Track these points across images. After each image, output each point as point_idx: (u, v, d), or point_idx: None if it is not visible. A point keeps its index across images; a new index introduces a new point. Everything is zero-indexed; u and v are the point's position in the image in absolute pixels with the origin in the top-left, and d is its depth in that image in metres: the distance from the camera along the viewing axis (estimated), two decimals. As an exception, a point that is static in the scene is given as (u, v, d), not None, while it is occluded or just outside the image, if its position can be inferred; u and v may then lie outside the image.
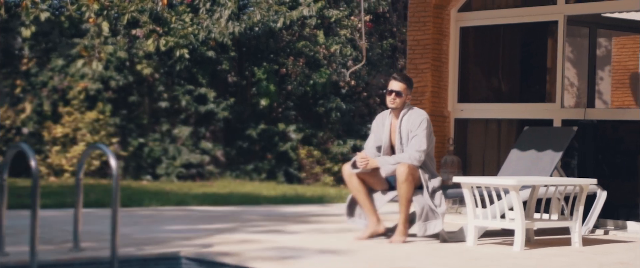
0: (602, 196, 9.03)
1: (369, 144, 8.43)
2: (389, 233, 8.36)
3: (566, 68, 11.02)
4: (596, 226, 9.38)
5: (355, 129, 19.26)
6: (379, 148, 8.38)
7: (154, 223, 9.47)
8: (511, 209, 8.05)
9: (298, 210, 11.79)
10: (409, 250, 7.52)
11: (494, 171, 10.53)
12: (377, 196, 8.33)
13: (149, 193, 13.70)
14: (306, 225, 9.61)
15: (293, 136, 18.68)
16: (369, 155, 8.24)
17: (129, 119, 18.42)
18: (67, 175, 17.39)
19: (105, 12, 17.30)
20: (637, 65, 14.87)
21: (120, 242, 7.56)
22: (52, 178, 17.22)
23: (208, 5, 17.99)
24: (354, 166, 8.21)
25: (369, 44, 19.51)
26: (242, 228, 9.11)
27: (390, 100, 8.23)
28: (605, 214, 9.33)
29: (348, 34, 19.06)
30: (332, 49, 18.73)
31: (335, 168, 18.74)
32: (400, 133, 8.22)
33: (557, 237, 8.83)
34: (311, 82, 18.62)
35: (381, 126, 8.40)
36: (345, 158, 18.90)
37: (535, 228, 8.19)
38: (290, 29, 18.52)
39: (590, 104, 11.69)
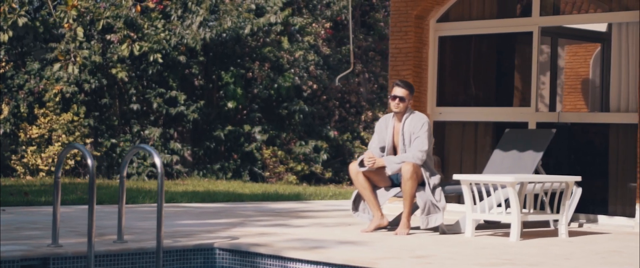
0: (577, 192, 9.70)
1: (373, 145, 9.00)
2: (388, 226, 8.95)
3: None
4: (570, 219, 10.06)
5: (316, 130, 19.83)
6: (382, 149, 8.97)
7: (164, 219, 9.88)
8: (499, 205, 8.72)
9: (285, 207, 12.31)
10: (418, 241, 8.10)
11: (470, 170, 11.18)
12: (381, 192, 8.92)
13: (133, 191, 14.08)
14: (306, 220, 10.14)
15: (258, 137, 19.18)
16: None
17: (101, 120, 18.76)
18: (42, 173, 17.68)
19: (80, 18, 17.68)
20: (588, 71, 15.67)
21: (148, 236, 8.09)
22: (29, 177, 17.50)
23: (179, 12, 18.42)
24: (361, 164, 8.79)
25: (330, 50, 20.13)
26: (249, 223, 9.60)
27: (394, 105, 8.82)
28: (577, 209, 10.01)
29: (311, 41, 19.62)
30: (296, 55, 19.28)
31: (298, 168, 19.27)
32: (403, 135, 8.81)
33: (537, 229, 9.48)
34: (275, 85, 19.14)
35: (384, 128, 8.99)
36: (306, 158, 19.46)
37: (528, 220, 8.83)
38: (256, 35, 19.03)
39: (552, 108, 12.39)
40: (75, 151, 17.87)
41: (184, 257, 7.51)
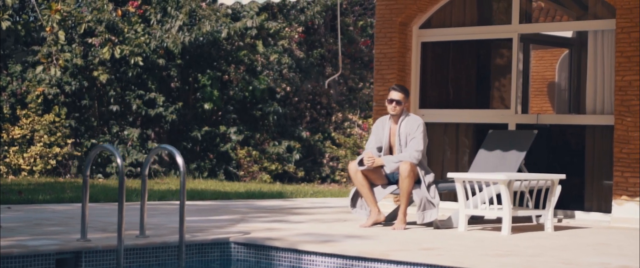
0: (557, 190, 10.17)
1: (370, 146, 9.41)
2: (384, 221, 9.36)
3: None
4: (550, 215, 10.53)
5: (289, 131, 20.20)
6: (379, 149, 9.38)
7: (168, 215, 10.21)
8: (489, 201, 9.16)
9: (274, 204, 12.64)
10: (417, 235, 8.51)
11: (452, 169, 11.62)
12: (378, 190, 9.32)
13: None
14: (301, 216, 10.50)
15: (233, 137, 19.51)
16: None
17: (80, 121, 18.98)
18: (24, 173, 17.86)
19: (63, 22, 17.91)
20: (554, 75, 16.23)
21: (164, 231, 8.42)
22: (12, 177, 17.67)
23: (159, 16, 18.69)
24: (360, 163, 9.20)
25: (302, 53, 20.51)
26: (249, 219, 9.93)
27: (391, 108, 9.23)
28: (555, 205, 10.46)
29: (285, 44, 20.01)
30: (271, 58, 19.65)
31: (272, 167, 19.63)
32: (399, 136, 9.23)
33: (521, 224, 9.93)
34: (250, 88, 19.49)
35: (381, 129, 9.40)
36: (279, 158, 19.82)
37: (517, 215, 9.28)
38: (231, 39, 19.35)
39: (524, 110, 12.88)
40: (57, 150, 18.08)
41: (202, 250, 7.84)
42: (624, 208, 9.97)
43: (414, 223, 9.39)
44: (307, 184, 19.39)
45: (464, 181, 9.00)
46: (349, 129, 20.71)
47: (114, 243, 7.35)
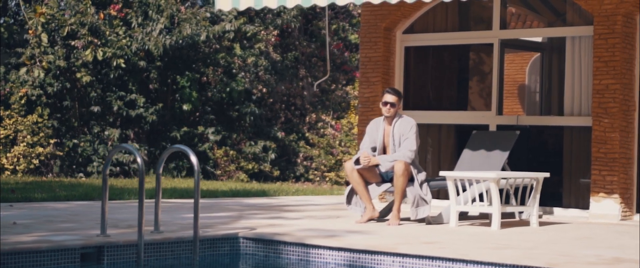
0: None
1: (365, 146, 9.79)
2: (378, 217, 9.75)
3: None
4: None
5: (265, 131, 20.55)
6: (373, 149, 9.76)
7: (169, 213, 10.49)
8: (476, 199, 9.58)
9: (263, 202, 12.93)
10: (413, 230, 8.90)
11: (436, 168, 12.04)
12: (372, 188, 9.71)
13: (111, 188, 14.56)
14: (296, 213, 10.84)
15: (211, 137, 19.82)
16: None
17: (62, 122, 19.19)
18: (7, 172, 18.04)
19: (46, 25, 18.11)
20: (524, 78, 16.72)
21: (173, 227, 8.73)
22: (-5, 176, 17.86)
23: (139, 19, 18.95)
24: (357, 162, 9.58)
25: (278, 56, 20.87)
26: (247, 216, 10.25)
27: (386, 110, 9.62)
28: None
29: (262, 47, 20.35)
30: (248, 61, 19.99)
31: (249, 166, 19.96)
32: (393, 137, 9.62)
33: (505, 220, 10.34)
34: (227, 89, 19.81)
35: (375, 130, 9.78)
36: (255, 157, 20.15)
37: (506, 212, 9.70)
38: (209, 41, 19.66)
39: (500, 111, 13.32)
40: (40, 150, 18.27)
41: (213, 245, 8.17)
42: (601, 204, 10.44)
43: (407, 219, 9.78)
44: (283, 183, 19.73)
45: (455, 180, 9.40)
46: (322, 130, 21.09)
47: (132, 238, 7.68)
